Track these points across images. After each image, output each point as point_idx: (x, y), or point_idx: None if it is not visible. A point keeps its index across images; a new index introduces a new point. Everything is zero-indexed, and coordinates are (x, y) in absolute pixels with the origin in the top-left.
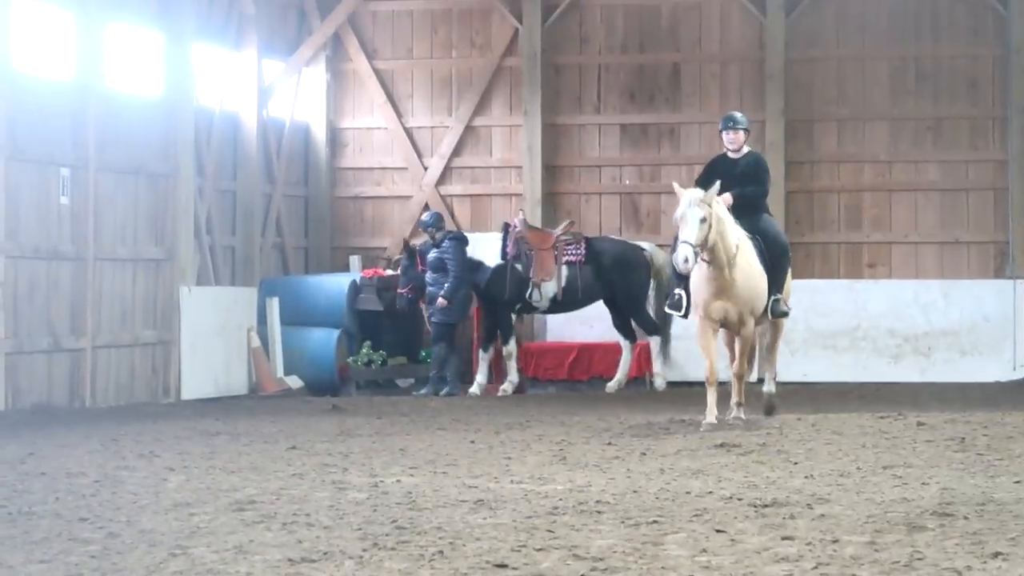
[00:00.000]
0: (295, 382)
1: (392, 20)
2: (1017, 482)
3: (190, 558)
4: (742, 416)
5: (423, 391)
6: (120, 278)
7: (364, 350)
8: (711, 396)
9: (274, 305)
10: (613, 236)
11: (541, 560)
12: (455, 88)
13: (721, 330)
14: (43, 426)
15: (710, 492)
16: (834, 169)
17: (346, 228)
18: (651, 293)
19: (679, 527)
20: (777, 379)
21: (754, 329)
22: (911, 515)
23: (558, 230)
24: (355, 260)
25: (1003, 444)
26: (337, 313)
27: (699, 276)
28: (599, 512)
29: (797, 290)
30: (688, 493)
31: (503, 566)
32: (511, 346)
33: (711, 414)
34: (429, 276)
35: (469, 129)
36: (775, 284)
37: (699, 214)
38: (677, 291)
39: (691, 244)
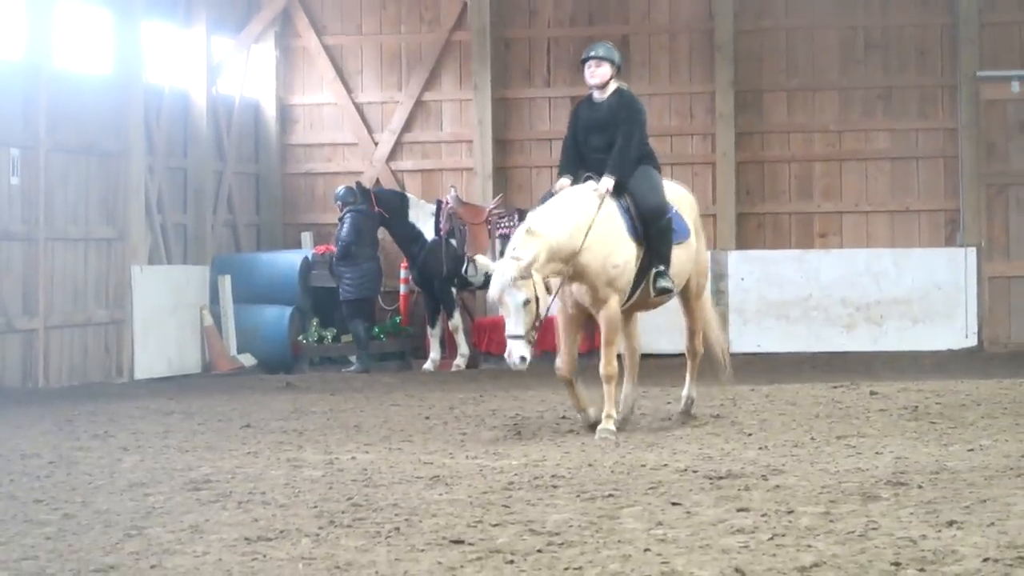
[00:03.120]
0: (248, 360)
1: None
2: (970, 450)
3: (146, 538)
4: (611, 431)
5: (351, 368)
6: (72, 258)
7: (313, 327)
8: (572, 397)
9: (226, 283)
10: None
11: (497, 535)
12: (405, 63)
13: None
14: None
15: (665, 465)
16: (784, 139)
17: (297, 205)
18: None
19: (634, 500)
20: (720, 381)
21: (617, 309)
22: (865, 485)
23: (491, 204)
24: (307, 236)
25: (956, 412)
26: (290, 290)
27: None
28: (554, 487)
29: (749, 260)
30: (643, 466)
31: (459, 542)
32: (456, 320)
33: (592, 411)
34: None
35: (419, 104)
36: (654, 253)
37: (519, 298)
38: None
39: (520, 337)
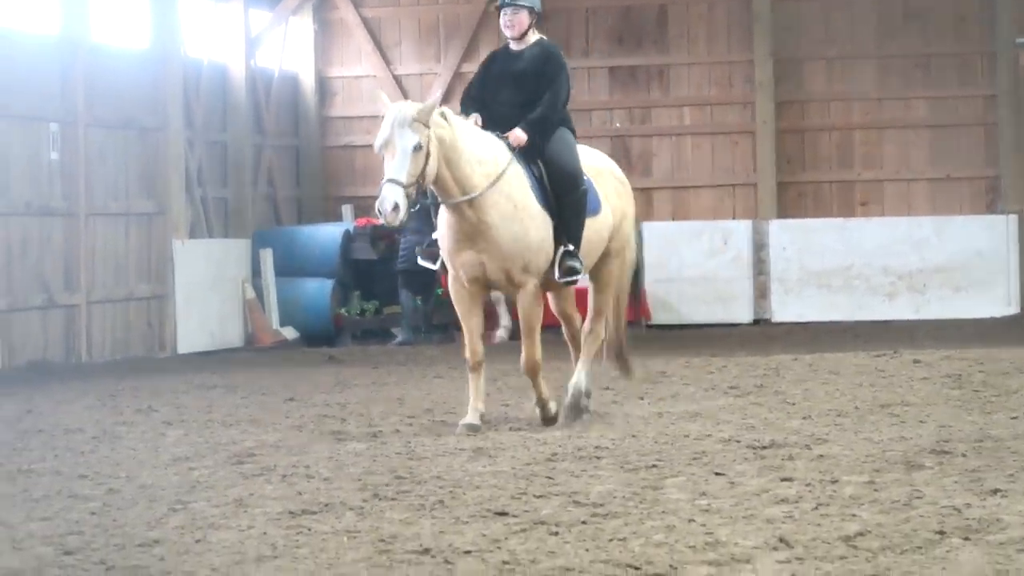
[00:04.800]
0: (291, 333)
1: None
2: (1014, 418)
3: (190, 513)
4: (550, 413)
5: (395, 341)
6: (113, 233)
7: (355, 300)
8: (472, 385)
9: (268, 256)
10: None
11: (541, 507)
12: (443, 35)
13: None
14: (40, 383)
15: (708, 435)
16: (824, 108)
17: (337, 177)
18: None
19: (678, 471)
20: (625, 369)
21: (537, 294)
22: (909, 454)
23: None
24: (347, 209)
25: (999, 380)
26: (331, 263)
27: (443, 219)
28: (598, 458)
29: (790, 229)
30: (686, 436)
31: (503, 514)
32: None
33: (472, 410)
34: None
35: (458, 75)
36: (565, 230)
37: (411, 140)
38: (435, 235)
39: (399, 183)
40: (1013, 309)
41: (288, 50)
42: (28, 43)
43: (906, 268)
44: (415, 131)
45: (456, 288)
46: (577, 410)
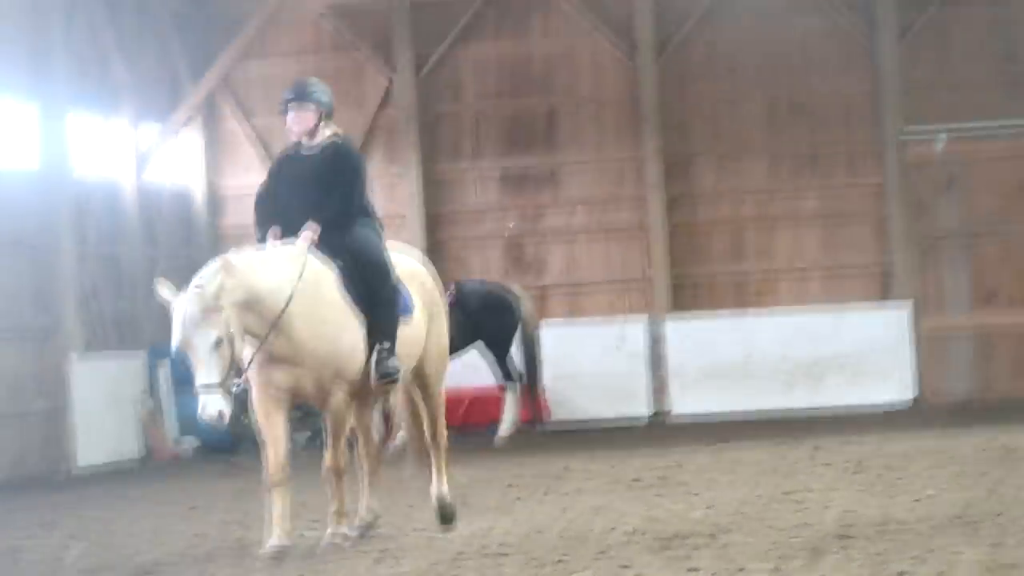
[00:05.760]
0: (192, 443)
1: (266, 80)
2: (916, 501)
3: None
4: (343, 534)
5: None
6: (7, 350)
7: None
8: (276, 505)
9: (164, 369)
10: (482, 279)
11: None
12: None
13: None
14: None
15: (613, 528)
16: (715, 203)
17: None
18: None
19: (584, 566)
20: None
21: (346, 401)
22: (814, 539)
23: None
24: None
25: (899, 464)
26: None
27: None
28: (503, 555)
29: (686, 324)
30: (591, 531)
31: None
32: (392, 401)
33: (277, 530)
34: None
35: None
36: (378, 327)
37: (209, 337)
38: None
39: (213, 387)
40: (909, 396)
41: (179, 163)
42: None
43: (803, 359)
44: (210, 324)
45: (261, 398)
46: (451, 516)
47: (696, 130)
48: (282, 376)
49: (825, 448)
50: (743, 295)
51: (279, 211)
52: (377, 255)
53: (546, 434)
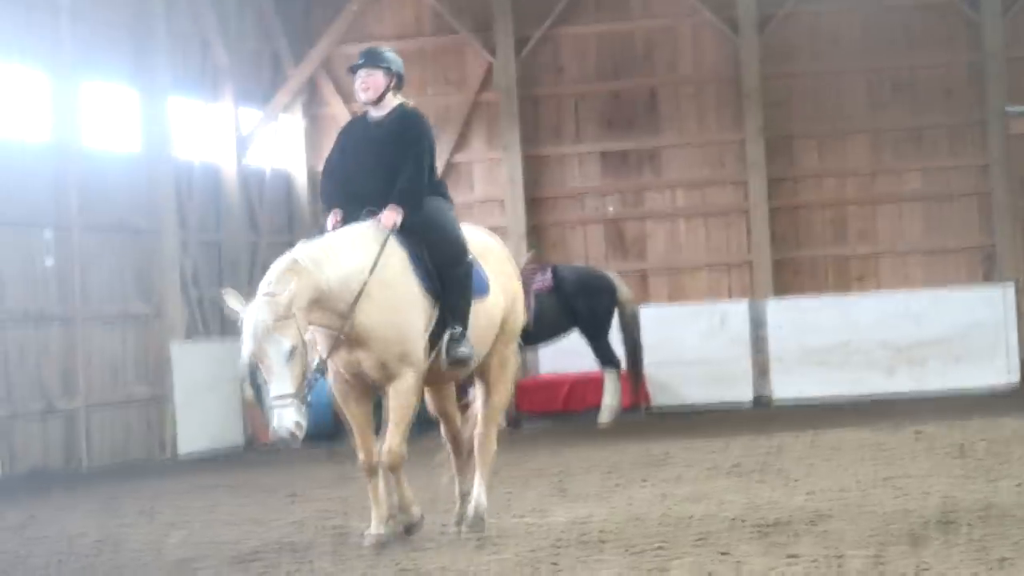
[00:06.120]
0: None
1: None
2: (1018, 486)
3: None
4: (414, 519)
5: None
6: (109, 337)
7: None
8: (371, 493)
9: None
10: (578, 264)
11: None
12: (433, 125)
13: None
14: (41, 490)
15: (712, 516)
16: (817, 184)
17: None
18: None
19: (683, 553)
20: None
21: (415, 387)
22: (914, 526)
23: (523, 260)
24: None
25: (1002, 449)
26: None
27: None
28: (602, 542)
29: (787, 307)
30: (690, 518)
31: None
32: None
33: (374, 519)
34: None
35: (450, 166)
36: (450, 310)
37: (283, 346)
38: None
39: (289, 398)
40: (1013, 378)
41: (279, 147)
42: (20, 150)
43: (904, 341)
44: (283, 334)
45: (339, 384)
46: (480, 525)
47: (797, 109)
48: (345, 359)
49: (926, 432)
50: (844, 277)
51: (347, 180)
52: (451, 233)
53: (648, 418)
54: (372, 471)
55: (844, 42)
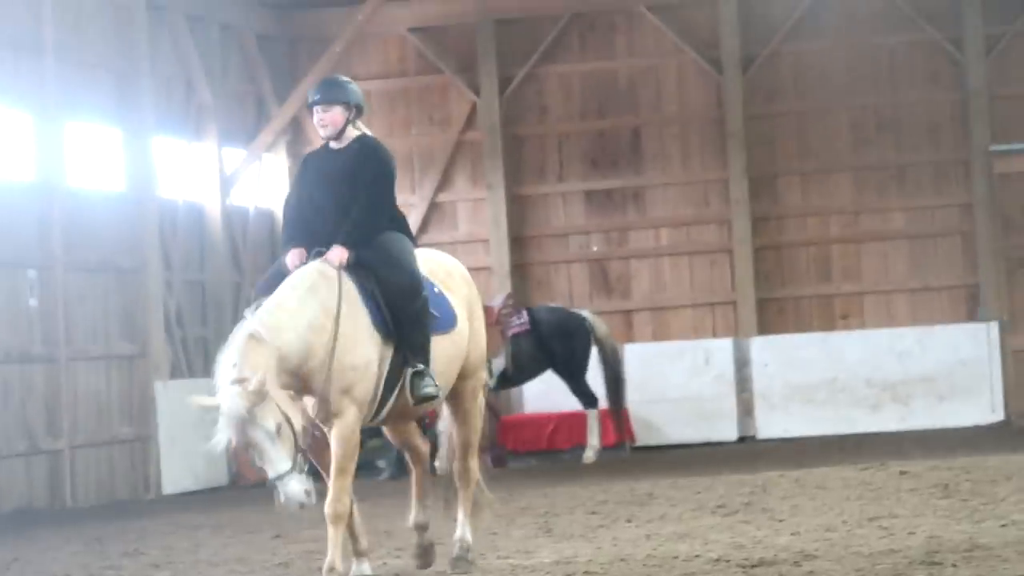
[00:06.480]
0: None
1: None
2: (1003, 526)
3: None
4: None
5: (382, 476)
6: (94, 376)
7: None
8: (347, 535)
9: None
10: (552, 304)
11: None
12: (417, 165)
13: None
14: (25, 530)
15: (697, 555)
16: (801, 223)
17: None
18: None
19: None
20: (478, 506)
21: (355, 427)
22: (899, 566)
23: (497, 302)
24: None
25: (987, 488)
26: None
27: None
28: None
29: (772, 345)
30: (675, 558)
31: None
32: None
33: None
34: None
35: (434, 205)
36: (409, 348)
37: (268, 427)
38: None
39: (288, 473)
40: (997, 416)
41: (263, 187)
42: (5, 190)
43: (889, 379)
44: (263, 417)
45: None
46: (465, 563)
47: (782, 148)
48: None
49: (911, 471)
50: (829, 316)
51: (305, 216)
52: (405, 269)
53: (632, 456)
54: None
55: (828, 80)
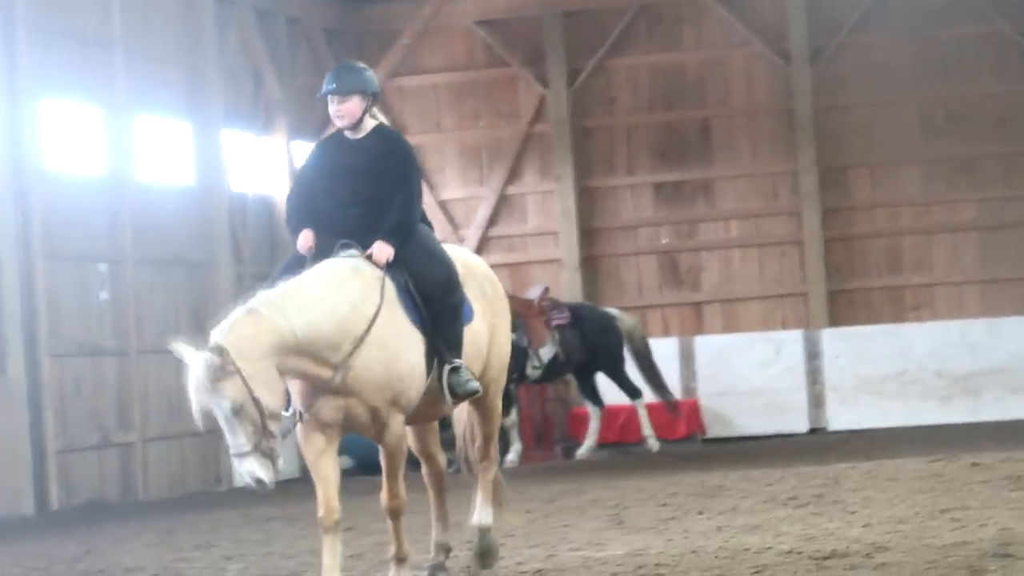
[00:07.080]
0: (345, 462)
1: (418, 94)
2: None
3: None
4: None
5: (450, 469)
6: (165, 369)
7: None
8: (327, 549)
9: None
10: (585, 302)
11: None
12: (486, 158)
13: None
14: (97, 522)
15: (769, 547)
16: (871, 215)
17: None
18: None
19: None
20: (496, 502)
21: (403, 431)
22: (971, 558)
23: (533, 293)
24: None
25: None
26: None
27: None
28: (659, 575)
29: (842, 337)
30: (747, 550)
31: None
32: (512, 416)
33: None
34: None
35: (503, 198)
36: (445, 344)
37: (224, 407)
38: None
39: (246, 454)
40: None
41: None
42: (75, 185)
43: (960, 371)
44: (222, 392)
45: (309, 434)
46: (490, 554)
47: (850, 140)
48: (330, 408)
49: (983, 463)
50: (900, 308)
51: (317, 203)
52: (444, 265)
53: (703, 449)
54: (330, 529)
55: (897, 72)
